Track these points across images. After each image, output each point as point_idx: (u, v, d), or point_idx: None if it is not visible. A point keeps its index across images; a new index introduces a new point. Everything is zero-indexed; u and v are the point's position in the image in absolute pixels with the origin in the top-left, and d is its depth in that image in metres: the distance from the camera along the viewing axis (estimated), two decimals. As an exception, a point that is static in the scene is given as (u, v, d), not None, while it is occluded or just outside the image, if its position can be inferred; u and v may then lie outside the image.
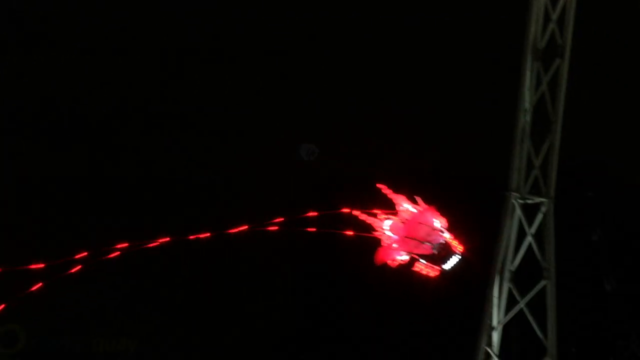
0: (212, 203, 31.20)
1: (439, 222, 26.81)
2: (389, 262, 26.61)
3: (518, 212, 24.75)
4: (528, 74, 24.25)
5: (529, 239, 24.86)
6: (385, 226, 27.09)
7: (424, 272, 26.79)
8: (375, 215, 27.28)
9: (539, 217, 24.60)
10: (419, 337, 31.41)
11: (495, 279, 25.31)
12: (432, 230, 26.65)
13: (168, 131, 32.29)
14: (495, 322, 25.47)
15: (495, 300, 25.33)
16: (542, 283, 24.74)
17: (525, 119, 24.61)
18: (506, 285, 25.28)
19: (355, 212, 27.41)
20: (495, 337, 25.59)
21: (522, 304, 25.08)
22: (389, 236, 26.96)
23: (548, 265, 24.64)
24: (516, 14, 24.68)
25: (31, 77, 31.65)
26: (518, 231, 25.05)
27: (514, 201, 24.76)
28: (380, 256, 26.56)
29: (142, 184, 31.35)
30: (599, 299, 30.52)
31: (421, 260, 26.74)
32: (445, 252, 26.65)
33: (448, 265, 26.65)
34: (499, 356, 25.62)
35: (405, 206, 27.16)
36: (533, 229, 24.75)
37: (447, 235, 26.72)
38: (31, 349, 28.43)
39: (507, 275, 25.21)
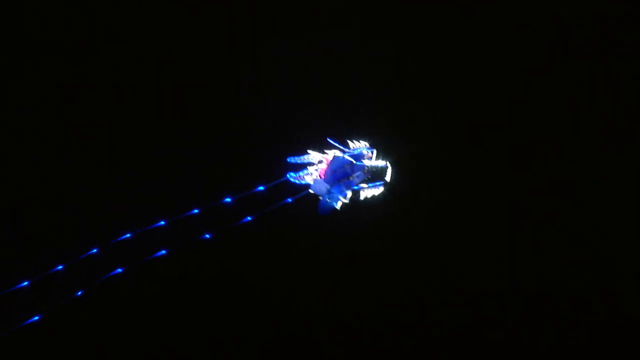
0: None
1: (350, 154, 28.16)
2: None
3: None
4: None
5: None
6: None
7: (372, 195, 28.02)
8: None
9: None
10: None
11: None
12: (347, 165, 27.64)
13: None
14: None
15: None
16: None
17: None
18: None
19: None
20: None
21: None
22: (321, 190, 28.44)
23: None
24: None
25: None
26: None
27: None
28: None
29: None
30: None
31: (362, 187, 27.87)
32: (376, 169, 27.97)
33: (388, 177, 27.79)
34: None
35: (316, 158, 29.11)
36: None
37: (366, 154, 28.05)
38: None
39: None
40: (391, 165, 30.05)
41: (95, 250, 29.41)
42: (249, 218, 29.63)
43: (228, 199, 29.85)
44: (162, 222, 29.71)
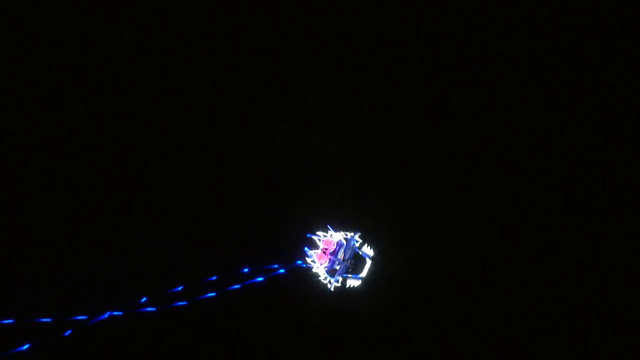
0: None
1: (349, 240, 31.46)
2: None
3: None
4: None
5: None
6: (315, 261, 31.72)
7: (351, 285, 31.48)
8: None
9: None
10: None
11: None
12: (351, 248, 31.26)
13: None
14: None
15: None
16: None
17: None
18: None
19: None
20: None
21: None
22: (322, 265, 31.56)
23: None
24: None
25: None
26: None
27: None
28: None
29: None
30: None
31: (347, 275, 31.31)
32: (358, 260, 30.97)
33: (364, 272, 31.13)
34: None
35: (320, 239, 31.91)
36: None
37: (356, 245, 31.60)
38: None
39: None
40: (372, 259, 31.96)
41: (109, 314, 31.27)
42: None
43: (245, 269, 31.21)
44: (180, 288, 31.20)
